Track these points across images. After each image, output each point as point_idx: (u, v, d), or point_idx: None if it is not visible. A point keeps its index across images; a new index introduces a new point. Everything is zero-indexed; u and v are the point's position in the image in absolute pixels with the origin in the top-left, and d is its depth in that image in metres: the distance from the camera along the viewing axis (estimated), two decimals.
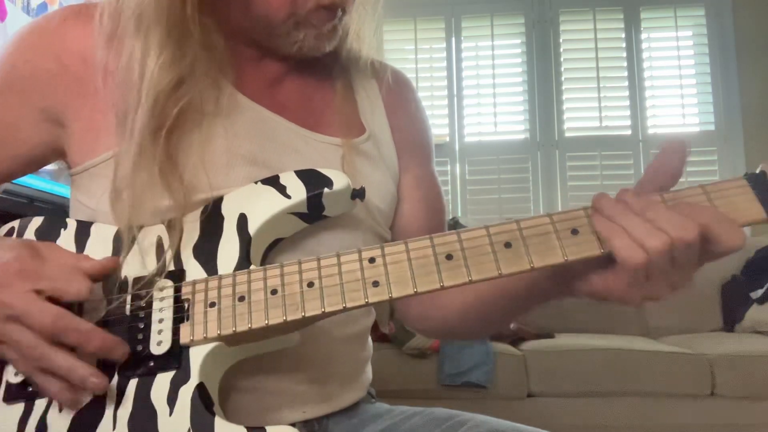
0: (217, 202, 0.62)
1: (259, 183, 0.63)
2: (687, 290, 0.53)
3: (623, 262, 0.50)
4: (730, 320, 2.72)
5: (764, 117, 3.27)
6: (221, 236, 0.60)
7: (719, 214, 0.50)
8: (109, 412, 0.53)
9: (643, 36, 3.45)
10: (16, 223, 0.64)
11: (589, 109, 3.46)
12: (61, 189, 1.63)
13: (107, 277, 0.57)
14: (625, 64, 3.42)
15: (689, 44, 3.45)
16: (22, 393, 0.55)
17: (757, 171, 0.54)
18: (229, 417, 0.54)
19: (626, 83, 3.41)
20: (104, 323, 0.56)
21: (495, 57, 3.48)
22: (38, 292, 0.52)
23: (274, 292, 0.55)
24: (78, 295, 0.53)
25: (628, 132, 3.40)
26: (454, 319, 0.74)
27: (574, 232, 0.53)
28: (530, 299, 0.65)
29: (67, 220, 0.64)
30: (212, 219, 0.61)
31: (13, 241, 0.58)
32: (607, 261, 0.52)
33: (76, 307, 0.56)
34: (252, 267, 0.58)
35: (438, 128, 3.44)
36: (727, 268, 2.79)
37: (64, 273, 0.54)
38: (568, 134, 3.43)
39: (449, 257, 0.54)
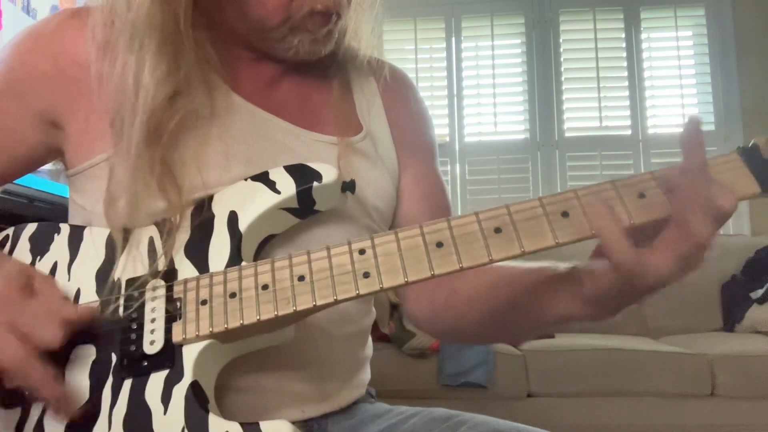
0: (208, 200, 0.62)
1: (249, 180, 0.63)
2: (687, 281, 0.51)
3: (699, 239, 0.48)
4: (730, 320, 2.71)
5: (764, 117, 3.26)
6: (212, 234, 0.60)
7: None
8: (104, 413, 0.53)
9: (643, 36, 3.44)
10: (11, 231, 0.64)
11: (589, 109, 3.45)
12: (61, 189, 1.62)
13: (85, 324, 0.55)
14: (625, 64, 3.42)
15: (689, 44, 3.44)
16: (20, 398, 0.55)
17: (749, 145, 0.53)
18: (226, 416, 0.54)
19: (626, 83, 3.40)
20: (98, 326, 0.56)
21: (495, 57, 3.47)
22: (12, 327, 0.51)
23: (265, 287, 0.54)
24: (48, 344, 0.51)
25: (628, 132, 3.39)
26: (468, 328, 0.73)
27: (565, 214, 0.52)
28: (549, 320, 0.61)
29: (61, 225, 0.64)
30: (203, 218, 0.61)
31: (13, 264, 0.56)
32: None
33: None
34: (243, 264, 0.57)
35: (438, 128, 3.43)
36: (727, 268, 2.78)
37: (43, 317, 0.52)
38: (568, 134, 3.42)
39: (439, 245, 0.53)
